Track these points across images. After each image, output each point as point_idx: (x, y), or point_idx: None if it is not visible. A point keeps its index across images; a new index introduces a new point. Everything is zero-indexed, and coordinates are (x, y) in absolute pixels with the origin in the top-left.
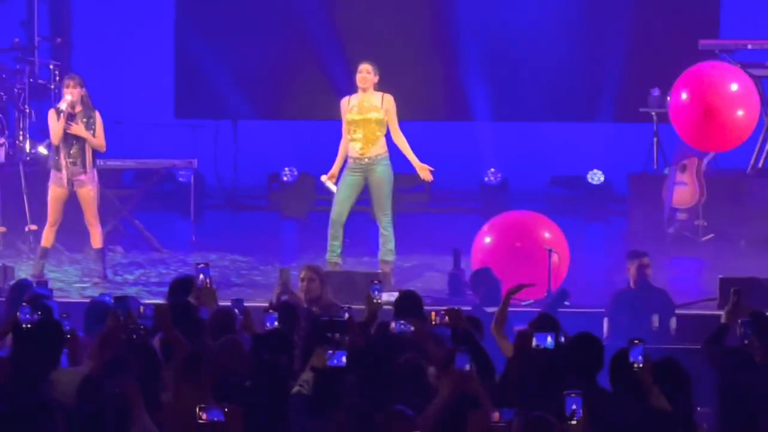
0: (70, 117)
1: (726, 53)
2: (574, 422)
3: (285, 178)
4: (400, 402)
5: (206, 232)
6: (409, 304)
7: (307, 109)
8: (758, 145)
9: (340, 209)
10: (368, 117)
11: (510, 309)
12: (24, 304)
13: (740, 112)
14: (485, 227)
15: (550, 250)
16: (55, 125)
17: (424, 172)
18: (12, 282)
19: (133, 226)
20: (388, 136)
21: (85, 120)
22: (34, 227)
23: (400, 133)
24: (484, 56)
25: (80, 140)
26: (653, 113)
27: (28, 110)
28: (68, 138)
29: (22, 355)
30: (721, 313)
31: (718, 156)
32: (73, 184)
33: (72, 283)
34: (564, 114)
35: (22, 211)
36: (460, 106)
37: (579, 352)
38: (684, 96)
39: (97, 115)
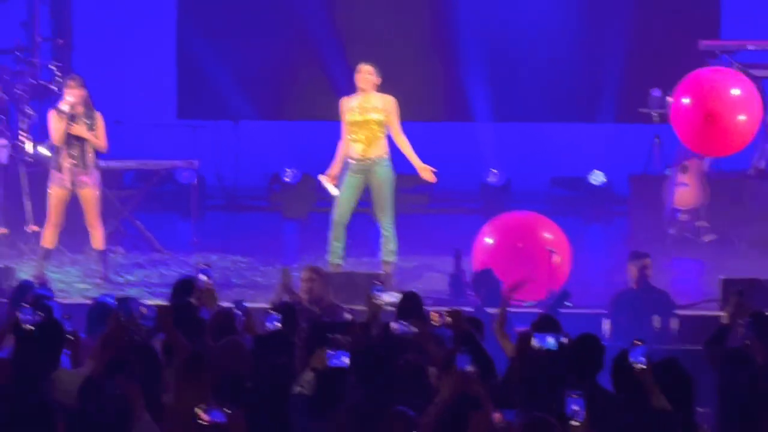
0: (72, 118)
1: (727, 54)
2: (575, 423)
3: (286, 179)
4: (401, 403)
5: (207, 232)
6: (410, 305)
7: (309, 110)
8: (760, 145)
9: (341, 210)
10: (369, 118)
11: (511, 310)
12: (25, 305)
13: (742, 117)
14: (486, 228)
15: (551, 251)
16: (56, 126)
17: (426, 173)
18: (13, 283)
19: (134, 226)
20: (389, 137)
21: (86, 121)
22: (35, 228)
23: (402, 135)
24: (485, 57)
25: (81, 141)
26: (653, 113)
27: (29, 111)
28: (69, 139)
29: (23, 356)
30: (722, 314)
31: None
32: (74, 185)
33: (73, 284)
34: (564, 114)
35: (23, 211)
36: (461, 107)
37: (580, 353)
38: (685, 101)
39: (98, 115)
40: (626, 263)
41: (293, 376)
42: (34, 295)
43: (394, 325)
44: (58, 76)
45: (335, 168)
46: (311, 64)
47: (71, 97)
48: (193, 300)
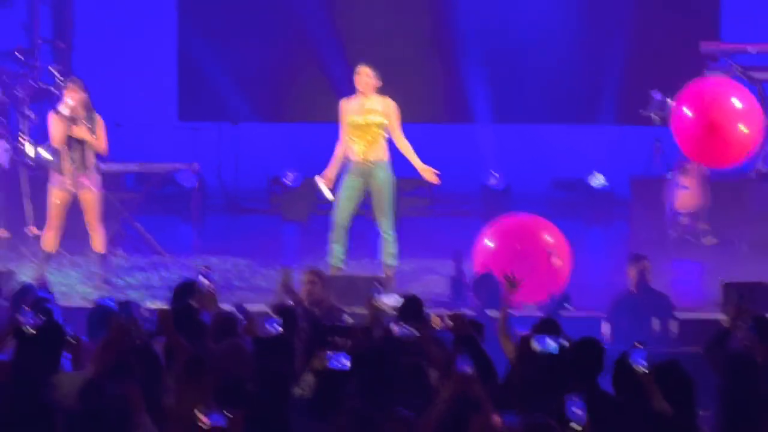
0: (72, 120)
1: (727, 56)
2: (576, 426)
3: (286, 182)
4: (402, 405)
5: (208, 235)
6: (410, 307)
7: (309, 112)
8: (761, 148)
9: (342, 213)
10: (369, 120)
11: (512, 313)
12: (26, 307)
13: (743, 128)
14: (486, 230)
15: (551, 254)
16: (57, 128)
17: (429, 174)
18: (14, 286)
19: (134, 229)
20: (389, 139)
21: (86, 123)
22: (35, 231)
23: (403, 137)
24: (485, 58)
25: (82, 143)
26: (654, 116)
27: (29, 113)
28: (70, 141)
29: (23, 359)
30: (723, 316)
31: None
32: (75, 188)
33: (74, 287)
34: (565, 117)
35: (23, 214)
36: (461, 109)
37: (581, 356)
38: (686, 111)
39: (99, 118)
40: (626, 266)
41: (294, 379)
42: (35, 298)
43: (394, 328)
44: (59, 79)
45: (331, 170)
46: (312, 66)
47: (71, 99)
48: (193, 303)
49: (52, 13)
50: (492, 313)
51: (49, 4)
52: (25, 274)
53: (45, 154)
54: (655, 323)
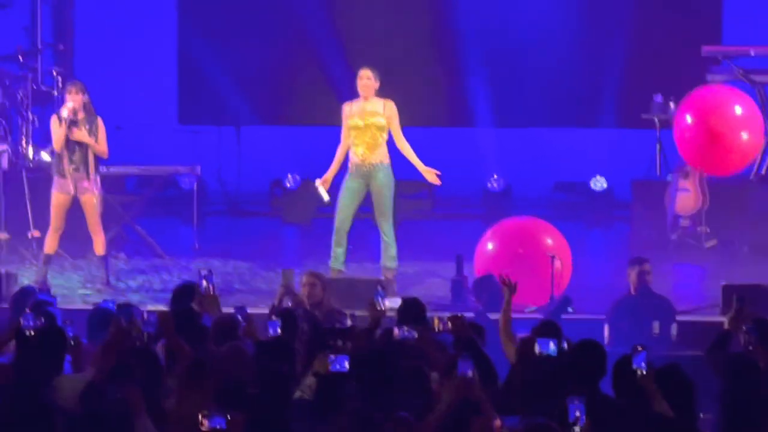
0: (73, 123)
1: (728, 59)
2: (577, 429)
3: (287, 184)
4: (403, 408)
5: (209, 238)
6: (412, 310)
7: (310, 115)
8: (761, 151)
9: (343, 216)
10: (370, 123)
11: (513, 316)
12: (27, 310)
13: (745, 135)
14: (488, 234)
15: (552, 257)
16: (58, 131)
17: (430, 175)
18: (15, 288)
19: (135, 232)
20: (390, 142)
21: (87, 126)
22: (36, 233)
23: (404, 139)
24: (486, 62)
25: (83, 146)
26: (656, 119)
27: (31, 116)
28: (71, 144)
29: (25, 362)
30: (724, 319)
31: None
32: (76, 191)
33: (75, 290)
34: (566, 120)
35: (25, 217)
36: (462, 112)
37: (582, 359)
38: (688, 119)
39: (100, 121)
40: (626, 269)
41: (294, 382)
42: (36, 300)
43: (395, 331)
44: (60, 82)
45: (331, 173)
46: (313, 69)
47: (72, 102)
48: (194, 306)
49: (53, 16)
50: (493, 315)
51: (50, 7)
52: (26, 277)
53: (46, 157)
54: (656, 326)
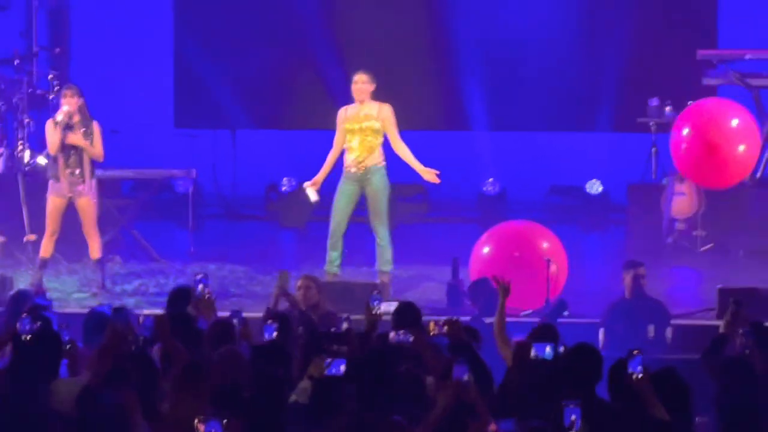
0: (68, 127)
1: (724, 63)
2: None
3: (283, 188)
4: (398, 412)
5: (205, 242)
6: (407, 314)
7: (306, 119)
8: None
9: (338, 220)
10: (365, 126)
11: (508, 319)
12: (24, 315)
13: (741, 148)
14: (484, 237)
15: (548, 260)
16: (52, 135)
17: (429, 175)
18: (11, 292)
19: (131, 236)
20: (386, 146)
21: (83, 130)
22: (32, 237)
23: (401, 142)
24: (483, 65)
25: (78, 150)
26: (652, 123)
27: (27, 120)
28: (66, 148)
29: (21, 366)
30: (720, 323)
31: None
32: (72, 195)
33: (71, 294)
34: (563, 123)
35: (20, 221)
36: (458, 116)
37: (578, 363)
38: (685, 132)
39: (95, 124)
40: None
41: (290, 385)
42: (32, 304)
43: (391, 335)
44: (56, 86)
45: (321, 176)
46: (309, 73)
47: (67, 106)
48: (190, 309)
49: (49, 20)
50: (488, 319)
51: (46, 11)
52: (22, 281)
53: (42, 161)
54: (650, 329)
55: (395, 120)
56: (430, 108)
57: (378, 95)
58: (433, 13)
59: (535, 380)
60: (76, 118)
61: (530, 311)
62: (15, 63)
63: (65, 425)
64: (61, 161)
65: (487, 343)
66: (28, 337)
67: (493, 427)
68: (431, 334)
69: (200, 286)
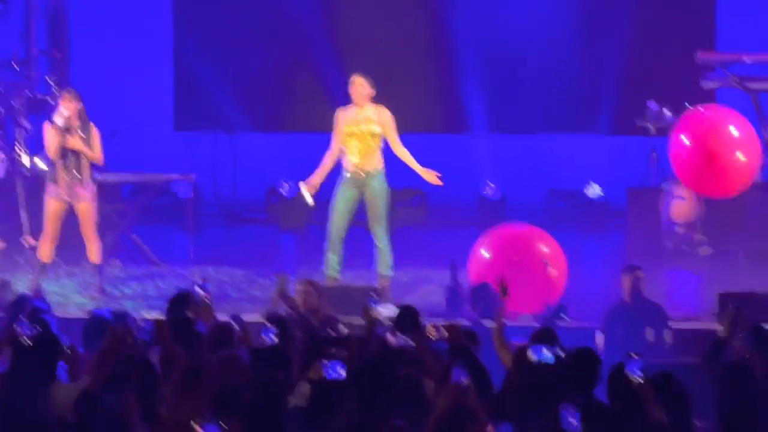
0: (66, 131)
1: (723, 66)
2: None
3: (283, 192)
4: (398, 415)
5: (204, 245)
6: (406, 318)
7: (306, 122)
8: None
9: (337, 224)
10: (364, 129)
11: (508, 323)
12: (23, 318)
13: (742, 157)
14: (482, 241)
15: (546, 263)
16: (51, 139)
17: (431, 176)
18: (10, 296)
19: (130, 239)
20: (386, 150)
21: (81, 134)
22: (31, 241)
23: (401, 145)
24: (482, 68)
25: (77, 154)
26: (650, 126)
27: (26, 124)
28: (65, 152)
29: (20, 370)
30: (720, 327)
31: None
32: (71, 198)
33: (70, 297)
34: (561, 127)
35: (20, 224)
36: (458, 119)
37: (577, 366)
38: (684, 141)
39: (94, 128)
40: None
41: (289, 389)
42: (32, 308)
43: (390, 338)
44: (55, 89)
45: (316, 177)
46: (308, 76)
47: (66, 110)
48: (189, 313)
49: (48, 24)
50: (488, 323)
51: (45, 15)
52: (22, 285)
53: (41, 165)
54: (649, 333)
55: (394, 124)
56: (429, 111)
57: (377, 98)
58: (432, 15)
59: (534, 384)
60: (75, 122)
61: (529, 315)
62: (14, 67)
63: (64, 429)
64: (60, 165)
65: (487, 346)
66: (27, 341)
67: (490, 430)
68: (430, 338)
69: (199, 291)
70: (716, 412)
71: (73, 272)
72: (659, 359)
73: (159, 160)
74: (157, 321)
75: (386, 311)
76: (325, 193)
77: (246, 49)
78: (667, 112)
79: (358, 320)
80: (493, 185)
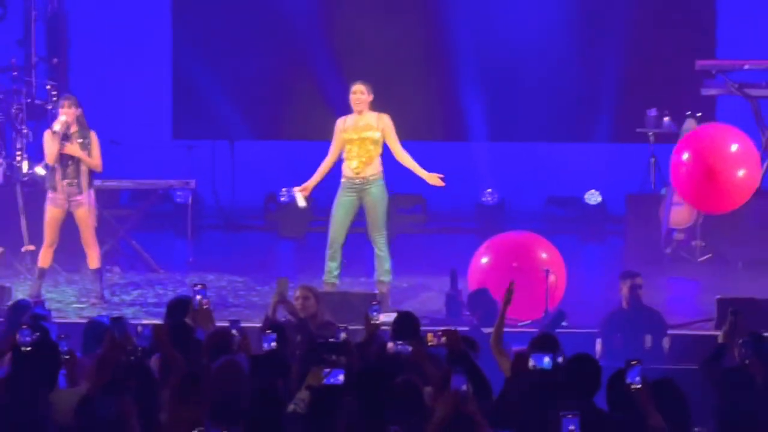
0: (65, 137)
1: (723, 73)
2: None
3: (282, 199)
4: (397, 422)
5: (203, 252)
6: (406, 324)
7: (305, 130)
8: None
9: (337, 230)
10: (364, 136)
11: (507, 330)
12: (23, 325)
13: (741, 173)
14: (482, 248)
15: (547, 271)
16: (50, 146)
17: (434, 180)
18: (10, 303)
19: (130, 246)
20: (387, 156)
21: (80, 140)
22: (31, 247)
23: (402, 150)
24: (481, 76)
25: (76, 160)
26: (650, 133)
27: (25, 130)
28: (64, 158)
29: (19, 376)
30: (718, 333)
31: None
32: (70, 205)
33: (69, 304)
34: (561, 134)
35: (19, 231)
36: (457, 127)
37: (576, 373)
38: (685, 157)
39: (93, 135)
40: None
41: (288, 396)
42: (31, 314)
43: (390, 345)
44: (54, 96)
45: (311, 183)
46: (307, 84)
47: (65, 116)
48: (188, 320)
49: (48, 30)
50: (487, 330)
51: (45, 21)
52: (21, 291)
53: (40, 172)
54: (648, 340)
55: (394, 129)
56: (428, 119)
57: (377, 105)
58: (432, 23)
59: (534, 390)
60: (74, 129)
61: (529, 321)
62: (13, 73)
63: None
64: (58, 171)
65: (486, 353)
66: (27, 348)
67: None
68: (429, 344)
69: (198, 297)
70: (715, 418)
71: (73, 279)
72: (658, 365)
73: (158, 167)
74: (156, 327)
75: (386, 318)
76: (325, 201)
77: (244, 57)
78: (666, 120)
79: (357, 326)
80: (490, 190)
